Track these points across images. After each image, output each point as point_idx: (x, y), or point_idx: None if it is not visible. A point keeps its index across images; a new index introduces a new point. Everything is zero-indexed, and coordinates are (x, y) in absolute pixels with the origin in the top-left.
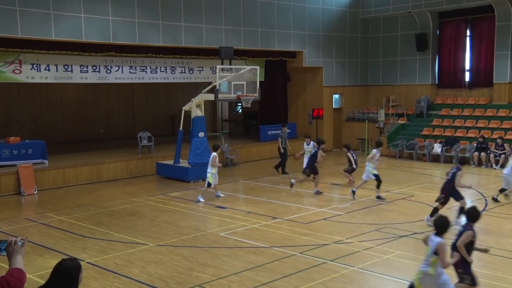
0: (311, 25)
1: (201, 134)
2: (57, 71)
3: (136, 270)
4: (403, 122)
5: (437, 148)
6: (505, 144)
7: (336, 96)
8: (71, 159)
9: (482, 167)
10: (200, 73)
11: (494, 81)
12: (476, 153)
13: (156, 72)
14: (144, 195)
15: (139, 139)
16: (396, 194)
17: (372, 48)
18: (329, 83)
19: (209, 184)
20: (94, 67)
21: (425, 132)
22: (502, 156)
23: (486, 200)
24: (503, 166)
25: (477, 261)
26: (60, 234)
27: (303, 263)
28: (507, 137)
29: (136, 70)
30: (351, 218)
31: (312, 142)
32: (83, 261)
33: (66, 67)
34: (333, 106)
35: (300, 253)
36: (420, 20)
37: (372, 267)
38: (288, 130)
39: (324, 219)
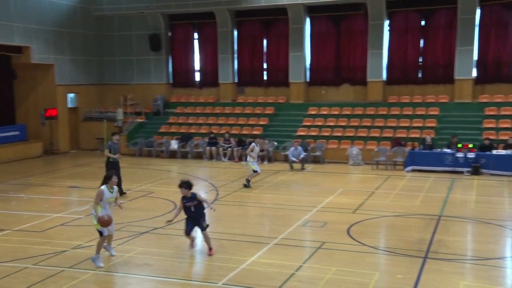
0: (38, 18)
1: None
2: None
3: None
4: (141, 120)
5: (174, 144)
6: (231, 138)
7: (71, 95)
8: None
9: (213, 160)
10: None
11: (218, 81)
12: (208, 148)
13: None
14: None
15: None
16: (136, 192)
17: (107, 46)
18: (62, 81)
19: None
20: None
21: (162, 129)
22: (229, 149)
23: (217, 190)
24: (230, 158)
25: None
26: None
27: (36, 275)
28: (233, 131)
29: None
30: (91, 220)
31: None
32: None
33: None
34: (69, 106)
35: (33, 264)
36: (152, 21)
37: (114, 268)
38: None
39: (61, 224)
